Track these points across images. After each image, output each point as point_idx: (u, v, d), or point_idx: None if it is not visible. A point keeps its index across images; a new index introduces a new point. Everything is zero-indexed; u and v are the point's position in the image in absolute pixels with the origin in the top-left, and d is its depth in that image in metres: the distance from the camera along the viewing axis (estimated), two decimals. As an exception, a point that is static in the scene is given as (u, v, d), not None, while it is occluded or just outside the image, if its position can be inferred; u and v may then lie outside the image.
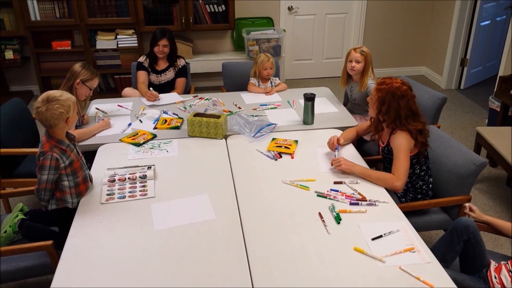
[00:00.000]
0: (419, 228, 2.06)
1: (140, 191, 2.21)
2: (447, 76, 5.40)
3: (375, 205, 2.10)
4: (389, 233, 1.90)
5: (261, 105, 3.26)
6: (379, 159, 2.70)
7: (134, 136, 2.76)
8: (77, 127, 2.81)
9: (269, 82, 3.56)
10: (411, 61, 5.83)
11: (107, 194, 2.19)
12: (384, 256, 1.77)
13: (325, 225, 1.96)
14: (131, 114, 3.11)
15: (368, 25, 5.48)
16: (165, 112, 3.11)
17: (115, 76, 5.01)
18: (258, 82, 3.55)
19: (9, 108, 2.92)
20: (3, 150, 2.72)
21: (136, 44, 4.79)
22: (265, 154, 2.57)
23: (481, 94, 5.20)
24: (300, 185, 2.26)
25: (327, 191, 2.20)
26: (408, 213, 2.13)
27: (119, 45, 4.78)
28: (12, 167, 2.88)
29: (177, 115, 3.08)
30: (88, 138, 2.75)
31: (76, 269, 1.73)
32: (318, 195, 2.18)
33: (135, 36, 4.76)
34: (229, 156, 2.56)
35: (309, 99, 2.86)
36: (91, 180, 2.26)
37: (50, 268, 2.03)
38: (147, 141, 2.71)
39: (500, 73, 4.31)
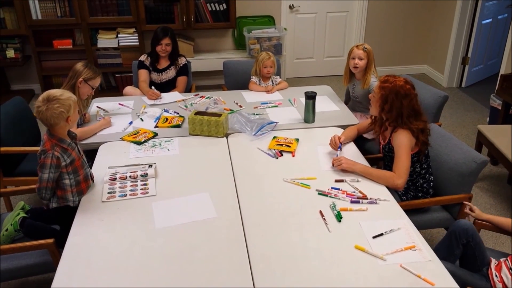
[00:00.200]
0: (420, 226, 2.06)
1: (141, 189, 2.22)
2: (449, 75, 5.39)
3: (376, 203, 2.10)
4: (390, 231, 1.90)
5: (262, 104, 3.25)
6: (380, 157, 2.70)
7: (135, 134, 2.77)
8: (78, 125, 2.82)
9: (270, 80, 3.56)
10: (412, 60, 5.83)
11: (108, 193, 2.19)
12: (385, 254, 1.77)
13: (326, 223, 1.96)
14: (132, 113, 3.11)
15: (369, 24, 5.47)
16: (166, 111, 3.12)
17: (116, 75, 5.02)
18: (259, 81, 3.55)
19: (11, 106, 2.94)
20: (4, 148, 2.73)
21: (137, 43, 4.80)
22: (266, 153, 2.57)
23: (483, 92, 5.19)
24: (301, 183, 2.26)
25: (328, 189, 2.20)
26: (409, 211, 2.12)
27: (120, 44, 4.78)
28: (13, 166, 2.89)
29: (178, 113, 3.08)
30: (90, 137, 2.75)
31: (77, 267, 1.73)
32: (319, 193, 2.18)
33: (136, 34, 4.76)
34: (230, 154, 2.56)
35: (310, 97, 2.86)
36: (92, 179, 2.27)
37: (51, 266, 2.04)
38: (148, 139, 2.72)
39: (502, 71, 4.30)
